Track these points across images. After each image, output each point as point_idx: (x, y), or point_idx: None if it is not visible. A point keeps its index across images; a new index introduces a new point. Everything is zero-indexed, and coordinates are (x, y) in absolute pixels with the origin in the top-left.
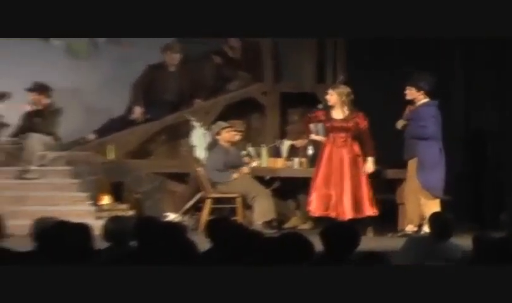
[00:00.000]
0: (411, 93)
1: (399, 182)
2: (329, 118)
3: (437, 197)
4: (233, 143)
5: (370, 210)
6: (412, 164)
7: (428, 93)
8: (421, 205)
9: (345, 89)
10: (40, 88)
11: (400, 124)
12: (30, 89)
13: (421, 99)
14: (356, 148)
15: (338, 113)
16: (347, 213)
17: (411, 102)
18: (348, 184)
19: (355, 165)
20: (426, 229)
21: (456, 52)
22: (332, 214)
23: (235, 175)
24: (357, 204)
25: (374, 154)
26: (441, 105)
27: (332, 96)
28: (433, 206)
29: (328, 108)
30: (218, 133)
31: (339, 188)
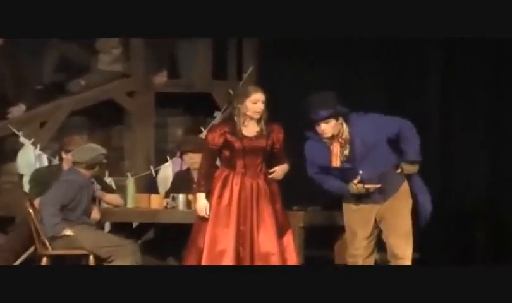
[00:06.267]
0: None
1: None
2: (237, 136)
3: None
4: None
5: None
6: None
7: None
8: None
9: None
10: None
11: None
12: None
13: None
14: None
15: (250, 130)
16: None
17: None
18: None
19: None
20: None
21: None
22: None
23: (69, 231)
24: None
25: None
26: None
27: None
28: None
29: (232, 119)
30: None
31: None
